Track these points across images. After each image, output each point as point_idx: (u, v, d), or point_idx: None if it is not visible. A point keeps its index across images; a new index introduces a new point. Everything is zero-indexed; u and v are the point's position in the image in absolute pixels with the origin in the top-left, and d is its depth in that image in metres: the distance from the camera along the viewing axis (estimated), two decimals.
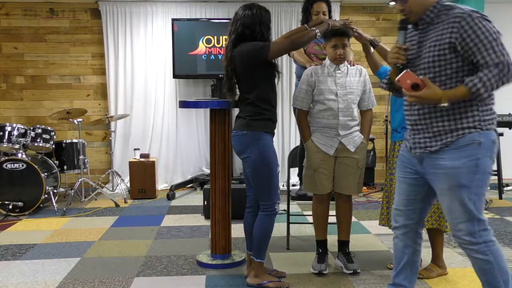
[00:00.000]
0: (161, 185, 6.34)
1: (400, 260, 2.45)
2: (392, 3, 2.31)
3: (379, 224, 3.33)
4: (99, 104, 6.42)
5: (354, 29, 3.21)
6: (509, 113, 5.57)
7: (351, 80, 3.26)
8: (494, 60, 2.06)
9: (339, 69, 3.25)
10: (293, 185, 5.84)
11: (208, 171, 6.23)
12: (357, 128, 3.32)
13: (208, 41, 5.99)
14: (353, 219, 4.59)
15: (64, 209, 5.05)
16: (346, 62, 3.28)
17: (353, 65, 3.33)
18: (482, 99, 2.12)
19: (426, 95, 2.11)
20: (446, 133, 2.19)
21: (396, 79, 2.20)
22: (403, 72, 2.17)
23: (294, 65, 4.40)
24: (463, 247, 2.23)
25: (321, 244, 3.40)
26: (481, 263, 2.21)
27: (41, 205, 5.13)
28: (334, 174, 3.30)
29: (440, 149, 2.20)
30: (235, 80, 3.04)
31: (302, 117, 3.32)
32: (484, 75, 2.07)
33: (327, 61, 3.29)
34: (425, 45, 2.23)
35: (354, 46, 3.96)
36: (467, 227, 2.18)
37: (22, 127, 5.28)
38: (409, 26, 2.33)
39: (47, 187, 5.02)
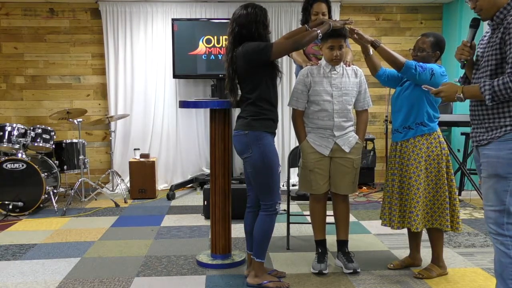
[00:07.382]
0: (161, 185, 6.34)
1: None
2: (467, 0, 2.37)
3: (381, 225, 3.30)
4: (99, 104, 6.42)
5: (356, 31, 3.15)
6: None
7: (347, 81, 3.25)
8: None
9: (335, 70, 3.24)
10: (293, 185, 5.84)
11: (208, 171, 6.23)
12: (352, 128, 3.32)
13: (208, 41, 5.99)
14: (353, 219, 4.60)
15: (64, 209, 5.05)
16: (342, 63, 3.27)
17: (349, 66, 3.32)
18: (488, 101, 2.19)
19: (444, 88, 2.40)
20: (496, 129, 2.28)
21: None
22: None
23: (294, 65, 4.40)
24: (490, 234, 2.32)
25: (320, 244, 3.40)
26: (501, 255, 2.26)
27: (41, 205, 5.13)
28: (330, 174, 3.30)
29: (489, 142, 2.30)
30: (237, 81, 3.04)
31: (297, 117, 3.32)
32: (500, 80, 2.13)
33: (323, 62, 3.28)
34: (488, 45, 2.30)
35: (354, 46, 3.95)
36: (496, 216, 2.25)
37: (22, 127, 5.27)
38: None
39: (47, 187, 5.02)
